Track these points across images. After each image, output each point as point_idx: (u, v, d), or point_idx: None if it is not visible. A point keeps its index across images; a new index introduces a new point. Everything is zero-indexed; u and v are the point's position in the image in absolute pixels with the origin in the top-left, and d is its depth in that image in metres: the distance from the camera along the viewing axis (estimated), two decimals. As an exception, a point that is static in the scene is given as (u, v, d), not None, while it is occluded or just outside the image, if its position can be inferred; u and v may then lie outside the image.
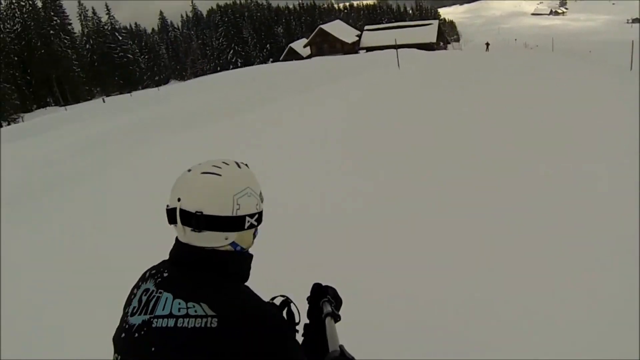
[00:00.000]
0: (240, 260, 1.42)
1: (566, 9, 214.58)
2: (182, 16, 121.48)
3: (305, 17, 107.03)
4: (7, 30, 66.70)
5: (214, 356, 1.17)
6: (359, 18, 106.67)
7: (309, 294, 1.73)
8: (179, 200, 1.30)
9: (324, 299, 1.64)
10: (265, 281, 2.09)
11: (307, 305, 1.69)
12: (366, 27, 75.73)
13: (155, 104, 25.14)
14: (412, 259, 4.31)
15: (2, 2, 67.98)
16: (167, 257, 1.40)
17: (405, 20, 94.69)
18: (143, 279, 1.41)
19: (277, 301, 1.67)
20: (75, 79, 72.11)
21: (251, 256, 1.47)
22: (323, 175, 7.11)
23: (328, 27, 72.98)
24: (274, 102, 14.90)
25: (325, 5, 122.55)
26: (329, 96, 14.49)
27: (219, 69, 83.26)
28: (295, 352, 1.29)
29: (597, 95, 10.88)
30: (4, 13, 67.46)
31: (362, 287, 3.67)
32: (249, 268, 1.47)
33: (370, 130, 9.43)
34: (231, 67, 78.65)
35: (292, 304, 1.63)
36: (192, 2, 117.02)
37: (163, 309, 1.26)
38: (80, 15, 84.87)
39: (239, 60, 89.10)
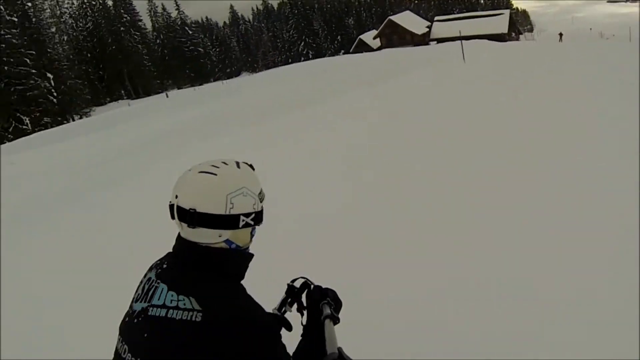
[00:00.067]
0: (236, 258, 1.46)
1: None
2: (252, 9, 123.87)
3: (375, 8, 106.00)
4: (80, 28, 71.47)
5: (196, 349, 1.24)
6: (429, 9, 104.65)
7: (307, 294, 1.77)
8: (176, 197, 1.37)
9: (324, 301, 1.64)
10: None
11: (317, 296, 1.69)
12: (436, 18, 74.06)
13: (217, 98, 25.38)
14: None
15: (74, 1, 72.42)
16: None
17: (476, 10, 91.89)
18: (150, 268, 1.49)
19: (298, 283, 1.79)
20: (146, 72, 75.95)
21: (250, 255, 1.52)
22: (393, 164, 7.18)
23: (397, 18, 72.04)
24: (345, 94, 15.02)
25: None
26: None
27: (290, 60, 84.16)
28: (277, 357, 1.34)
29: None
30: (77, 12, 72.01)
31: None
32: (246, 267, 1.50)
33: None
34: (302, 59, 79.35)
35: (312, 286, 1.74)
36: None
37: (158, 299, 1.34)
38: (150, 11, 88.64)
39: (310, 52, 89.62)
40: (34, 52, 50.53)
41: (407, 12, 79.41)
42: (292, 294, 1.78)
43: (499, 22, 65.54)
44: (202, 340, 1.24)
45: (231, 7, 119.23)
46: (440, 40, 58.75)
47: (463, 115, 10.02)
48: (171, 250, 1.48)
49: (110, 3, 75.80)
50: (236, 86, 34.56)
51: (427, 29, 70.45)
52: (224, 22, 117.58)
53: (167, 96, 48.05)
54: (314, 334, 1.55)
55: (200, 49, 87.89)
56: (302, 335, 1.64)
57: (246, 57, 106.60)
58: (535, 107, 10.04)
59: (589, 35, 63.66)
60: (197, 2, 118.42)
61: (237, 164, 1.47)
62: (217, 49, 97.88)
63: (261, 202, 1.49)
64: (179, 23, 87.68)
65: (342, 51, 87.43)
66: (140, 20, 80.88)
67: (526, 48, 29.86)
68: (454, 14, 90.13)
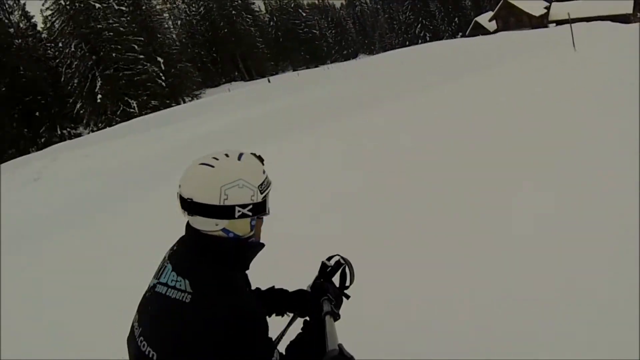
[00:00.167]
0: (237, 247, 1.49)
1: None
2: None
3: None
4: (193, 12, 73.75)
5: (183, 328, 1.32)
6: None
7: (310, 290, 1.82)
8: (180, 187, 1.46)
9: (324, 297, 1.68)
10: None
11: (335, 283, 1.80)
12: (555, -2, 67.26)
13: (316, 85, 25.44)
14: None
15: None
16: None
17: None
18: (169, 249, 1.59)
19: (333, 261, 1.84)
20: (259, 55, 76.73)
21: (258, 245, 1.55)
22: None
23: (514, -2, 66.59)
24: (456, 81, 14.31)
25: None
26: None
27: (407, 43, 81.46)
28: (257, 349, 1.37)
29: None
30: (189, -3, 74.41)
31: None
32: (250, 257, 1.54)
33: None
34: (419, 41, 75.98)
35: (346, 267, 1.78)
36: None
37: (164, 277, 1.45)
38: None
39: (428, 35, 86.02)
40: (142, 39, 52.88)
41: (524, -9, 72.80)
42: (324, 274, 1.83)
43: (623, 2, 57.64)
44: (188, 320, 1.34)
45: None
46: (559, 23, 53.07)
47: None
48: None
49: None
50: (343, 70, 35.20)
51: (546, 10, 64.09)
52: (341, 4, 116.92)
53: (269, 81, 48.44)
54: (315, 330, 1.62)
55: (315, 31, 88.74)
56: (301, 331, 1.68)
57: (362, 39, 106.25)
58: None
59: None
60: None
61: (240, 155, 1.50)
62: (333, 31, 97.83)
63: (262, 193, 1.49)
64: (292, 5, 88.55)
65: (460, 34, 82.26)
66: (253, 4, 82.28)
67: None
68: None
